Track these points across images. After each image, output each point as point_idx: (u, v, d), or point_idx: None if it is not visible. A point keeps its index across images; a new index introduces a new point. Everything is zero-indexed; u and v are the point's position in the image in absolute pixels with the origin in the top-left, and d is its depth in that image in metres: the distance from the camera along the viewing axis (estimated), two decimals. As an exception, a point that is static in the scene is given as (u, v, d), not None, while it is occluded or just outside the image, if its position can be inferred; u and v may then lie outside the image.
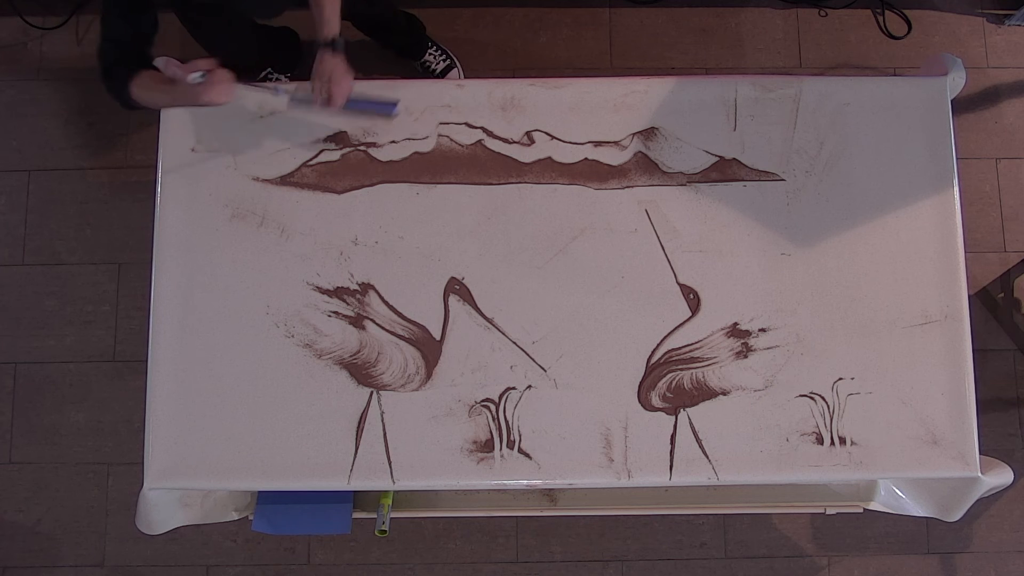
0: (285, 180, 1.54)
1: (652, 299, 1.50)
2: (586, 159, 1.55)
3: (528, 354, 1.48)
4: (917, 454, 1.45)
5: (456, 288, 1.51)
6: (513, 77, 1.55)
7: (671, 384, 1.47)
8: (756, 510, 1.81)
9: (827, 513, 1.75)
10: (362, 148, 1.55)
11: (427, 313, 1.50)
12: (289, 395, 1.47)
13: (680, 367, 1.48)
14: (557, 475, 1.45)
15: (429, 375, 1.48)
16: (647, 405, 1.47)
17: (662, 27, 2.33)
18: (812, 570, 2.10)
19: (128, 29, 1.42)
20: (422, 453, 1.45)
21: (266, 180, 1.54)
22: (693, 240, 1.52)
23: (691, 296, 1.50)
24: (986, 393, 2.13)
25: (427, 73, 2.24)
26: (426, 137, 1.55)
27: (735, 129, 1.55)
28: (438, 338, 1.49)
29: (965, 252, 1.52)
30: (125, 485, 2.14)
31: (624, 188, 1.54)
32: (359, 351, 1.49)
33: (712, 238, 1.52)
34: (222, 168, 1.54)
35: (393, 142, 1.55)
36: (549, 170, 1.54)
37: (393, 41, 2.19)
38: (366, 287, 1.51)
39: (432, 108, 1.56)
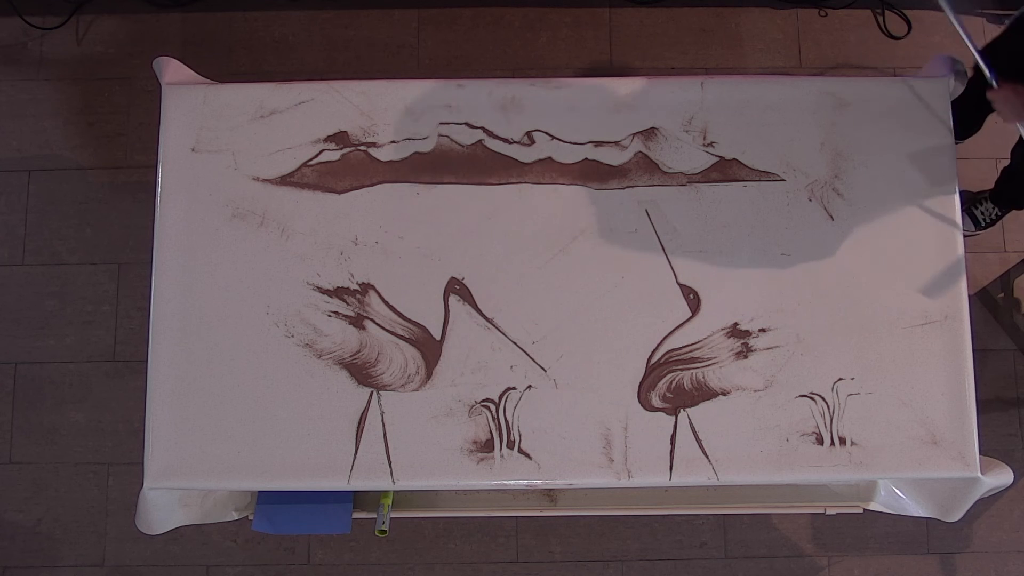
0: (285, 180, 1.54)
1: (652, 299, 1.50)
2: (586, 159, 1.55)
3: (528, 354, 1.48)
4: (917, 454, 1.45)
5: (456, 288, 1.51)
6: (513, 77, 1.55)
7: (671, 384, 1.47)
8: (756, 510, 1.81)
9: (827, 513, 1.75)
10: (362, 148, 1.55)
11: (427, 313, 1.50)
12: (289, 395, 1.47)
13: (680, 367, 1.48)
14: (557, 475, 1.45)
15: (429, 375, 1.48)
16: (647, 405, 1.47)
17: (662, 27, 2.33)
18: (812, 570, 2.10)
19: None
20: (422, 453, 1.45)
21: (266, 180, 1.54)
22: (693, 240, 1.52)
23: (691, 296, 1.50)
24: (986, 393, 2.13)
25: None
26: (426, 137, 1.55)
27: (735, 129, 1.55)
28: (438, 338, 1.49)
29: (965, 252, 1.52)
30: (125, 485, 2.14)
31: (624, 188, 1.54)
32: (359, 351, 1.49)
33: (712, 238, 1.52)
34: (222, 168, 1.54)
35: (393, 142, 1.55)
36: (549, 170, 1.54)
37: None
38: (366, 287, 1.51)
39: (432, 108, 1.56)
